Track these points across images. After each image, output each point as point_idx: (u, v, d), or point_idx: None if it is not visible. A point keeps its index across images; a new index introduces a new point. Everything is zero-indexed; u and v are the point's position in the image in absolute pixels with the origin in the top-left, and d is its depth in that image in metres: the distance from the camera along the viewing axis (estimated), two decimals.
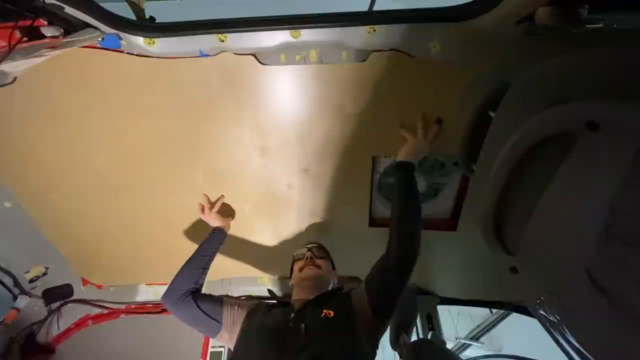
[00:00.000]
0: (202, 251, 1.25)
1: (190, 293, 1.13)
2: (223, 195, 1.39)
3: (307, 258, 1.24)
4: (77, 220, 1.49)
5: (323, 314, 0.98)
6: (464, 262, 1.60)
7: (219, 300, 1.13)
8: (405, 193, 1.09)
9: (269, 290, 1.26)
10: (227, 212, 1.44)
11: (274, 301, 1.16)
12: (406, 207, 1.06)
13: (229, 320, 1.08)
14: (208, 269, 1.23)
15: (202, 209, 1.37)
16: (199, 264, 1.22)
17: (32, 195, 1.39)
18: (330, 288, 1.19)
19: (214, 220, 1.36)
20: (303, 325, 0.94)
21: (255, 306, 1.12)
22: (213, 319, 1.08)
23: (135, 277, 1.80)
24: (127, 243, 1.60)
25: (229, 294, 1.78)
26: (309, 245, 1.31)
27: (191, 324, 1.11)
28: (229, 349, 1.75)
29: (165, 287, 1.15)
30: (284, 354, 0.88)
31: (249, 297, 1.77)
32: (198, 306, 1.09)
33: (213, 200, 1.40)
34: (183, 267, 1.20)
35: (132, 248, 1.62)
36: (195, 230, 1.51)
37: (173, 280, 1.16)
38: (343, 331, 0.95)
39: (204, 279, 1.21)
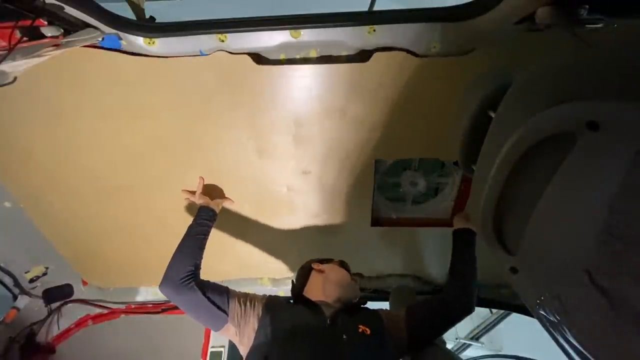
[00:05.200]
0: (193, 230, 1.18)
1: (192, 277, 1.04)
2: (201, 177, 1.33)
3: (354, 279, 1.20)
4: (74, 221, 1.49)
5: (360, 329, 0.97)
6: None
7: (225, 290, 1.05)
8: (469, 254, 1.19)
9: (293, 282, 1.21)
10: (214, 193, 1.38)
11: (285, 296, 1.13)
12: (468, 266, 1.16)
13: (237, 313, 1.00)
14: (203, 248, 1.16)
15: (188, 198, 1.33)
16: (193, 243, 1.14)
17: (30, 196, 1.39)
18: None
19: (198, 200, 1.30)
20: (345, 337, 0.93)
21: (270, 300, 1.06)
22: (220, 309, 1.00)
23: (134, 279, 1.79)
24: (125, 244, 1.59)
25: None
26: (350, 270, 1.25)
27: (194, 313, 1.03)
28: (230, 346, 1.75)
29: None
30: None
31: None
32: (203, 293, 1.01)
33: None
34: (176, 250, 1.12)
35: (130, 250, 1.62)
36: None
37: (169, 266, 1.08)
38: (380, 351, 0.97)
39: (201, 260, 1.13)
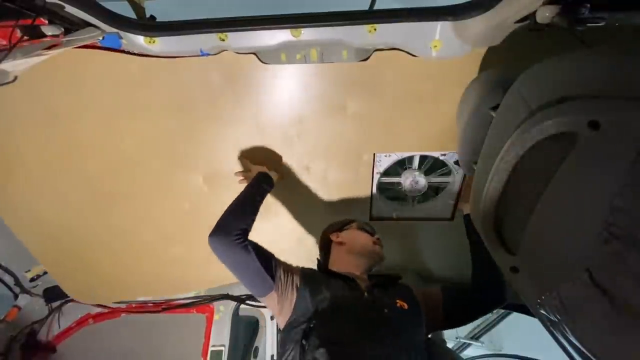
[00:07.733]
0: (253, 195, 1.10)
1: (244, 235, 0.97)
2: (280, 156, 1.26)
3: (377, 238, 1.17)
4: (62, 232, 1.44)
5: (398, 304, 0.97)
6: (460, 248, 1.62)
7: (272, 257, 1.00)
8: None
9: (318, 260, 1.16)
10: (270, 162, 1.26)
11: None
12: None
13: (282, 282, 0.96)
14: (257, 214, 1.07)
15: (245, 178, 1.24)
16: (251, 205, 1.07)
17: (14, 203, 1.34)
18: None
19: (256, 169, 1.20)
20: (386, 311, 0.93)
21: (306, 272, 1.03)
22: (269, 274, 0.95)
23: (128, 292, 1.74)
24: (122, 255, 1.55)
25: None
26: (371, 231, 1.19)
27: (241, 274, 0.96)
28: (230, 345, 1.74)
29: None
30: (372, 338, 0.87)
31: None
32: (256, 254, 0.94)
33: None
34: (233, 205, 1.05)
35: (127, 260, 1.57)
36: (195, 237, 1.43)
37: (223, 218, 0.99)
38: (418, 326, 0.98)
39: (253, 223, 1.05)
